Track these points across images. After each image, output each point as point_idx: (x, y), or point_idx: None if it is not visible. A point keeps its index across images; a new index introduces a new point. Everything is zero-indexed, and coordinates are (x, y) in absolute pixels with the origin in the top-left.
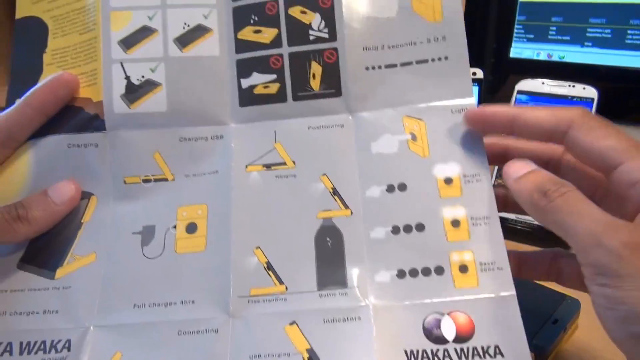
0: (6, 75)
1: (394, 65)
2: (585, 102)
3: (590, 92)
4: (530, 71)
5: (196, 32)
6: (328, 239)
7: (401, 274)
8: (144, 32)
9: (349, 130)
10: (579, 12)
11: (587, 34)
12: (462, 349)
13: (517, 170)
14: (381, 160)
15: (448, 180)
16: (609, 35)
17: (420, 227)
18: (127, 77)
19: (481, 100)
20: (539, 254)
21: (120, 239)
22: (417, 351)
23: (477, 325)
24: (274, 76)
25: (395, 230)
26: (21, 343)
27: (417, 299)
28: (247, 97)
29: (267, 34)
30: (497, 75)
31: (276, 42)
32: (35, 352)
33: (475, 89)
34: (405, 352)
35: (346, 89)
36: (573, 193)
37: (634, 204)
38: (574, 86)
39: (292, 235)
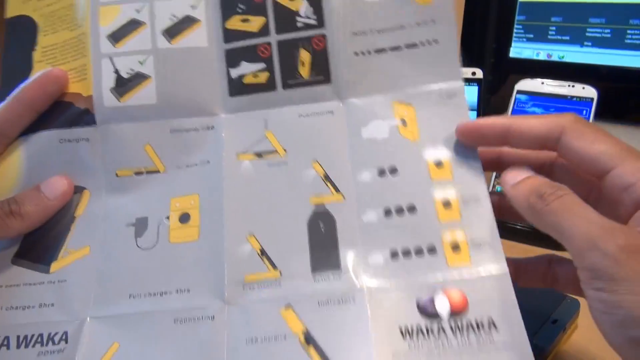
0: None
1: (383, 50)
2: (584, 102)
3: (589, 92)
4: (530, 71)
5: (184, 24)
6: (321, 224)
7: (394, 255)
8: (132, 25)
9: (339, 117)
10: (579, 12)
11: (587, 34)
12: (456, 324)
13: (514, 176)
14: (372, 145)
15: (438, 163)
16: (609, 35)
17: (412, 209)
18: (117, 71)
19: (481, 100)
20: (534, 260)
21: (114, 232)
22: (412, 328)
23: (470, 300)
24: (263, 65)
25: (387, 212)
26: (18, 337)
27: (411, 278)
28: (237, 87)
29: (255, 23)
30: (497, 75)
31: (264, 31)
32: (33, 345)
33: (475, 89)
34: (400, 329)
35: (336, 75)
36: (569, 196)
37: (626, 208)
38: (573, 86)
39: (285, 221)
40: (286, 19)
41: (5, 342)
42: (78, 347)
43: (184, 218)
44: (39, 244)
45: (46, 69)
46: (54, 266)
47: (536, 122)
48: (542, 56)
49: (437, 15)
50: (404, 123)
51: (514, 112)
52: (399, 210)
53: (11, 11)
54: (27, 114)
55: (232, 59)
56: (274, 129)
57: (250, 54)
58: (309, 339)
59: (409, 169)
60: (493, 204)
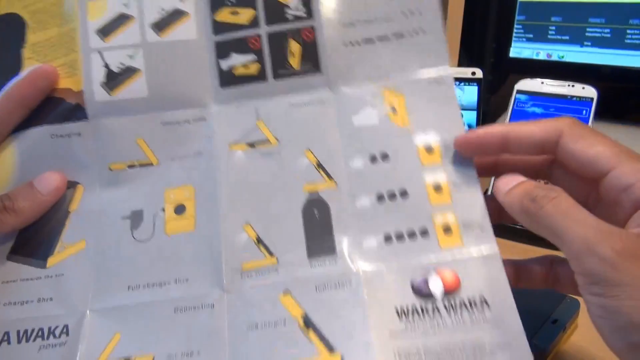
0: None
1: (372, 41)
2: (584, 102)
3: (589, 91)
4: (530, 71)
5: (173, 17)
6: (315, 211)
7: (388, 239)
8: (121, 20)
9: (330, 106)
10: (579, 11)
11: (587, 34)
12: (450, 303)
13: (507, 183)
14: (363, 132)
15: (429, 149)
16: (609, 35)
17: (404, 194)
18: (106, 65)
19: (481, 99)
20: (535, 261)
21: (109, 225)
22: (408, 308)
23: (463, 280)
24: (253, 56)
25: (380, 198)
26: (18, 332)
27: (405, 260)
28: (228, 78)
29: (244, 15)
30: (497, 75)
31: (254, 23)
32: (34, 340)
33: (475, 89)
34: (396, 310)
35: (326, 66)
36: (563, 198)
37: (625, 210)
38: (573, 86)
39: (280, 209)
40: (276, 11)
41: (6, 338)
42: (80, 340)
43: (180, 209)
44: (34, 240)
45: (36, 65)
46: (51, 261)
47: (534, 127)
48: (542, 56)
49: (423, 5)
50: (394, 110)
51: (514, 112)
52: (391, 195)
53: None
54: (18, 110)
55: (222, 50)
56: (266, 118)
57: (241, 46)
58: (308, 323)
59: (400, 155)
60: (493, 208)
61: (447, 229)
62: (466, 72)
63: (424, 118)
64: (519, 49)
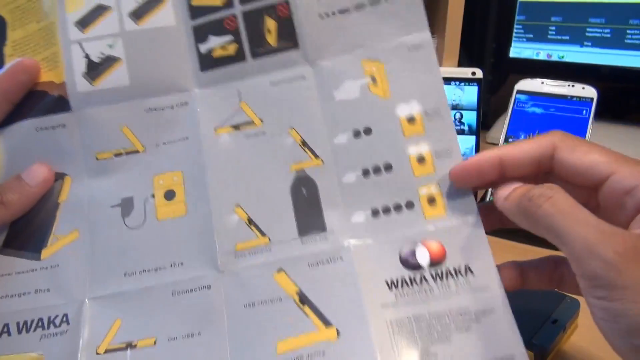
0: None
1: (347, 10)
2: (584, 102)
3: (589, 92)
4: (530, 71)
5: (150, 4)
6: (303, 189)
7: (375, 213)
8: (99, 11)
9: (310, 81)
10: (579, 11)
11: (587, 34)
12: (436, 272)
13: (505, 191)
14: (345, 107)
15: (410, 119)
16: (609, 35)
17: (388, 167)
18: (87, 56)
19: (481, 100)
20: (540, 262)
21: (100, 214)
22: (397, 280)
23: (448, 249)
24: (230, 37)
25: (365, 172)
26: (18, 323)
27: (392, 233)
28: (207, 62)
29: None
30: (497, 75)
31: (229, 3)
32: (34, 330)
33: (475, 89)
34: (387, 282)
35: (302, 40)
36: (560, 196)
37: (628, 212)
38: (573, 86)
39: (269, 189)
40: None
41: (6, 330)
42: (81, 327)
43: (169, 195)
44: (26, 233)
45: (16, 59)
46: (45, 253)
47: (527, 146)
48: (542, 56)
49: None
50: (373, 80)
51: (514, 112)
52: (376, 170)
53: None
54: (2, 105)
55: (200, 34)
56: (248, 99)
57: (217, 28)
58: (303, 299)
59: (383, 128)
60: (494, 215)
61: (431, 200)
62: (466, 72)
63: (404, 87)
64: (519, 49)
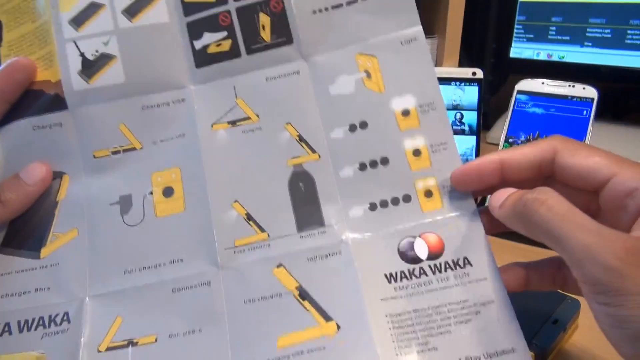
0: None
1: (340, 5)
2: (585, 102)
3: (590, 92)
4: (530, 71)
5: (143, 1)
6: (301, 184)
7: (373, 207)
8: (92, 9)
9: (305, 76)
10: (579, 12)
11: (587, 34)
12: (435, 265)
13: (499, 198)
14: (340, 102)
15: (405, 113)
16: (609, 35)
17: (384, 161)
18: (82, 54)
19: (481, 100)
20: (543, 263)
21: (99, 212)
22: (396, 273)
23: (446, 242)
24: (224, 33)
25: (362, 167)
26: (19, 322)
27: (390, 227)
28: (202, 58)
29: None
30: (497, 75)
31: None
32: (35, 328)
33: (475, 89)
34: (386, 275)
35: (296, 35)
36: (554, 200)
37: (630, 214)
38: (573, 86)
39: (267, 185)
40: None
41: (7, 329)
42: (82, 325)
43: (168, 192)
44: (25, 231)
45: (12, 59)
46: (44, 251)
47: (528, 150)
48: (543, 56)
49: None
50: (368, 75)
51: (515, 112)
52: (373, 164)
53: None
54: None
55: (194, 30)
56: (244, 95)
57: (212, 24)
58: (303, 294)
59: (378, 122)
60: (491, 220)
61: (428, 193)
62: (467, 72)
63: (399, 80)
64: (520, 49)
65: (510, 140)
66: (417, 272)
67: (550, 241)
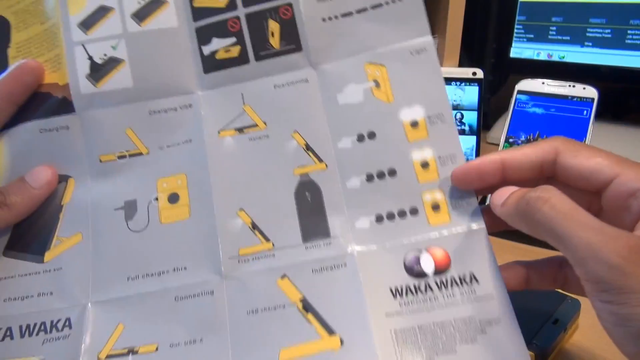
0: None
1: (350, 14)
2: (585, 102)
3: (590, 92)
4: (531, 71)
5: (152, 5)
6: (307, 193)
7: (379, 219)
8: (101, 12)
9: (313, 84)
10: (579, 12)
11: (587, 34)
12: (441, 280)
13: (501, 196)
14: (348, 111)
15: (414, 124)
16: (609, 35)
17: (392, 173)
18: (90, 57)
19: (481, 100)
20: (544, 262)
21: (104, 217)
22: (402, 287)
23: (452, 257)
24: (233, 39)
25: (370, 178)
26: (20, 327)
27: (396, 240)
28: (211, 64)
29: None
30: (497, 75)
31: (232, 5)
32: (37, 334)
33: (475, 89)
34: (391, 290)
35: (306, 43)
36: (557, 198)
37: (633, 214)
38: (574, 86)
39: (272, 193)
40: None
41: (8, 333)
42: (83, 332)
43: (173, 198)
44: (29, 235)
45: (21, 61)
46: (48, 255)
47: (530, 150)
48: (543, 56)
49: None
50: (377, 84)
51: (515, 112)
52: (380, 175)
53: None
54: (6, 107)
55: (203, 36)
56: (252, 102)
57: (221, 30)
58: (307, 307)
59: (387, 133)
60: (493, 218)
61: (435, 207)
62: (467, 72)
63: (407, 91)
64: (520, 49)
65: (511, 140)
66: (422, 287)
67: (553, 239)
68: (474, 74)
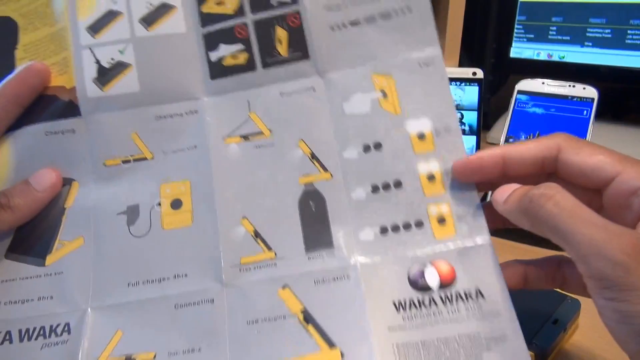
0: None
1: (358, 23)
2: (585, 102)
3: (590, 92)
4: (531, 71)
5: (160, 10)
6: (311, 203)
7: (384, 231)
8: (110, 16)
9: (320, 93)
10: (579, 12)
11: (587, 34)
12: (446, 295)
13: (503, 194)
14: (355, 121)
15: (421, 136)
16: (609, 35)
17: (398, 184)
18: (98, 61)
19: (481, 100)
20: (543, 262)
21: (106, 221)
22: (405, 301)
23: (458, 271)
24: (241, 46)
25: (375, 189)
26: (20, 330)
27: (401, 252)
28: (217, 70)
29: (230, 5)
30: (497, 75)
31: (240, 12)
32: (36, 338)
33: (475, 89)
34: (394, 303)
35: (313, 51)
36: (561, 195)
37: (635, 212)
38: (574, 86)
39: (276, 202)
40: None
41: (8, 337)
42: (82, 338)
43: (176, 204)
44: (31, 238)
45: (27, 63)
46: (49, 259)
47: (532, 145)
48: (543, 56)
49: None
50: (384, 95)
51: (515, 112)
52: (386, 186)
53: None
54: (12, 109)
55: (211, 42)
56: (258, 109)
57: (228, 36)
58: (308, 318)
59: (393, 144)
60: (495, 215)
61: (441, 220)
62: (467, 72)
63: (415, 102)
64: (520, 49)
65: (511, 140)
66: (427, 302)
67: (556, 236)
68: (474, 74)
